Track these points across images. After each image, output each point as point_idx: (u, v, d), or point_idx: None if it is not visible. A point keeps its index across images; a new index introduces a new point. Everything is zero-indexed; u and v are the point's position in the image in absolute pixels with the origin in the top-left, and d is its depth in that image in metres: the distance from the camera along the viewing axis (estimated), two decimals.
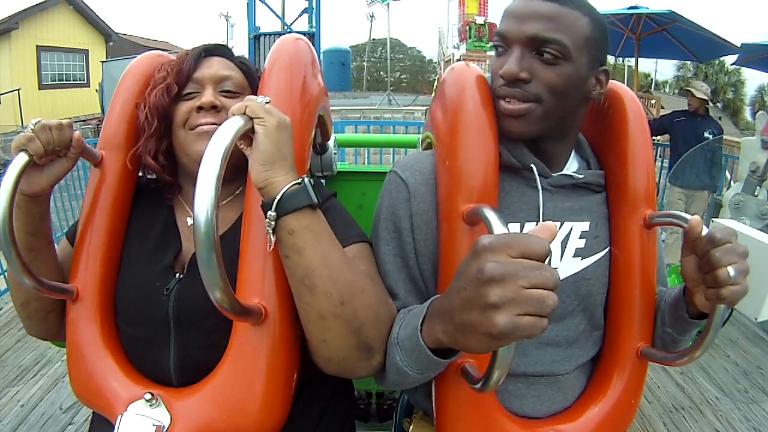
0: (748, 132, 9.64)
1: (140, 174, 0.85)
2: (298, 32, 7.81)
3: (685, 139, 3.86)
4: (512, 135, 0.72)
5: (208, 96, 0.79)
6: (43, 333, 0.83)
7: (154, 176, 0.83)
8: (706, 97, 3.88)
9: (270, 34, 7.81)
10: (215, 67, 0.82)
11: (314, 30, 7.88)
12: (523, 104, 0.69)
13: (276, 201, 0.61)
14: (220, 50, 0.86)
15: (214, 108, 0.78)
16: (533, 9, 0.68)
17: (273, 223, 0.62)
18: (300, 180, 0.63)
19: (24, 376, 2.35)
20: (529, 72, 0.68)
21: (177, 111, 0.80)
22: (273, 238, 0.64)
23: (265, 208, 0.62)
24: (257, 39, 7.73)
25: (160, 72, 0.82)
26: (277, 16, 8.07)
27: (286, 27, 7.76)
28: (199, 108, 0.78)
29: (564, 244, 0.76)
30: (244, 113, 0.61)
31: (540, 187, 0.74)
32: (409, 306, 0.73)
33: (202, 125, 0.77)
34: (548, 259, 0.47)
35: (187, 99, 0.80)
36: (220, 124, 0.59)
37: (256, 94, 0.80)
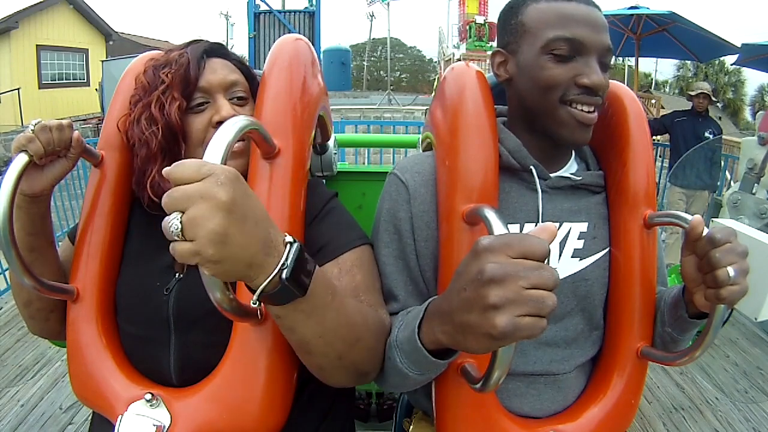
0: (749, 132, 9.64)
1: None
2: (297, 11, 7.84)
3: (686, 139, 3.87)
4: (582, 143, 0.73)
5: (226, 109, 0.75)
6: (44, 332, 0.83)
7: None
8: (706, 90, 3.87)
9: (270, 12, 7.79)
10: (220, 71, 0.78)
11: (314, 9, 7.85)
12: (596, 112, 0.71)
13: (255, 297, 0.52)
14: (219, 50, 0.82)
15: None
16: (600, 18, 0.70)
17: (256, 304, 0.53)
18: (277, 273, 0.50)
19: (24, 376, 2.35)
20: None
21: (189, 127, 0.75)
22: (260, 313, 0.60)
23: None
24: (257, 18, 7.71)
25: (157, 77, 0.75)
26: (277, 15, 8.06)
27: (287, 28, 7.75)
28: (218, 123, 0.73)
29: (562, 244, 0.76)
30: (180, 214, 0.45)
31: (539, 189, 0.75)
32: (408, 307, 0.73)
33: None
34: (547, 259, 0.47)
35: (197, 111, 0.76)
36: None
37: (255, 96, 0.79)
